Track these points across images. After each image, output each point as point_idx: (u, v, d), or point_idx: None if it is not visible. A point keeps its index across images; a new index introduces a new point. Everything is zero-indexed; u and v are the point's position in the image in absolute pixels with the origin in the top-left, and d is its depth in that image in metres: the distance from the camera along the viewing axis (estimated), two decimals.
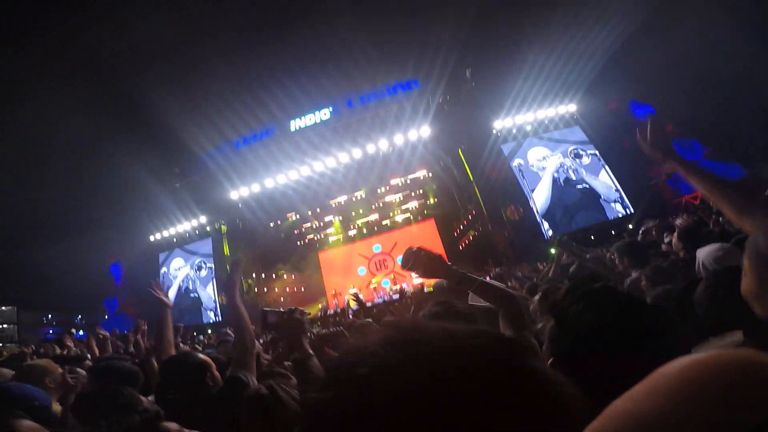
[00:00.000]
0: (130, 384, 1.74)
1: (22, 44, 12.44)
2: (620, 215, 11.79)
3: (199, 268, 15.47)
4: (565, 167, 12.62)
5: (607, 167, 12.31)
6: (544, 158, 12.90)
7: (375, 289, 14.68)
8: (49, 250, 15.56)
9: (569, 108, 12.90)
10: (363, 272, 15.98)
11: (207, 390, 1.57)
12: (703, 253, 2.11)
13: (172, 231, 15.74)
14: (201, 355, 1.76)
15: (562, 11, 11.47)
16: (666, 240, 4.09)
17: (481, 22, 12.58)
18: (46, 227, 16.06)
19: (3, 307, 25.70)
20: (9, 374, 2.53)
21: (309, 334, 1.54)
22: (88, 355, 3.84)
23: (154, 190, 14.98)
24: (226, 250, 15.38)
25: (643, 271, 2.41)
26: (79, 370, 3.07)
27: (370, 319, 3.28)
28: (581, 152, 12.66)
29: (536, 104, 12.86)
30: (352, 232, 16.78)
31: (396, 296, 12.34)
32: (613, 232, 10.64)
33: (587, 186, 12.33)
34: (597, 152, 12.54)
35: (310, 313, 1.31)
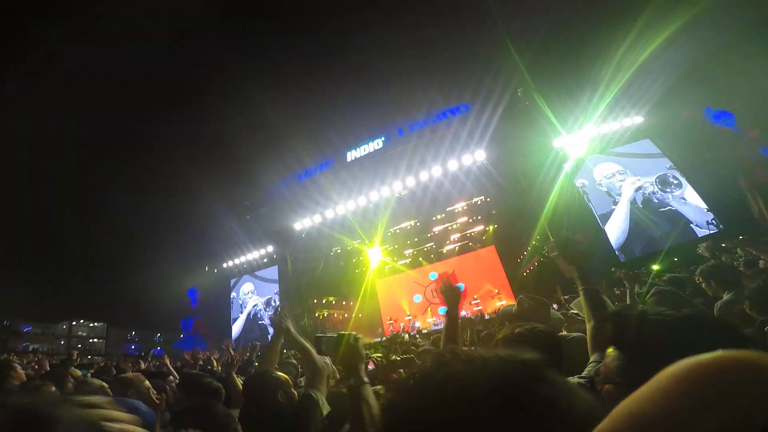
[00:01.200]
0: (216, 399, 1.91)
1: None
2: (707, 233, 10.49)
3: (268, 303, 16.35)
4: (644, 189, 11.58)
5: (687, 183, 11.13)
6: (613, 175, 12.02)
7: (432, 315, 14.45)
8: (136, 273, 17.28)
9: (635, 120, 12.02)
10: (419, 300, 15.77)
11: (280, 406, 1.69)
12: None
13: (243, 259, 16.94)
14: (278, 374, 1.89)
15: (633, 29, 11.01)
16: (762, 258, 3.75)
17: (542, 38, 12.46)
18: (136, 253, 17.96)
19: (96, 324, 28.88)
20: (98, 384, 2.73)
21: (366, 360, 1.57)
22: (174, 372, 4.15)
23: (227, 222, 16.42)
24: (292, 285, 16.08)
25: (737, 293, 2.18)
26: (172, 380, 3.34)
27: (430, 346, 3.27)
28: (664, 173, 11.59)
29: (600, 119, 12.18)
30: (408, 260, 16.78)
31: None
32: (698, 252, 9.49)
33: (673, 209, 11.16)
34: (673, 166, 11.43)
35: (362, 338, 1.34)
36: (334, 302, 16.68)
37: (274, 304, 16.06)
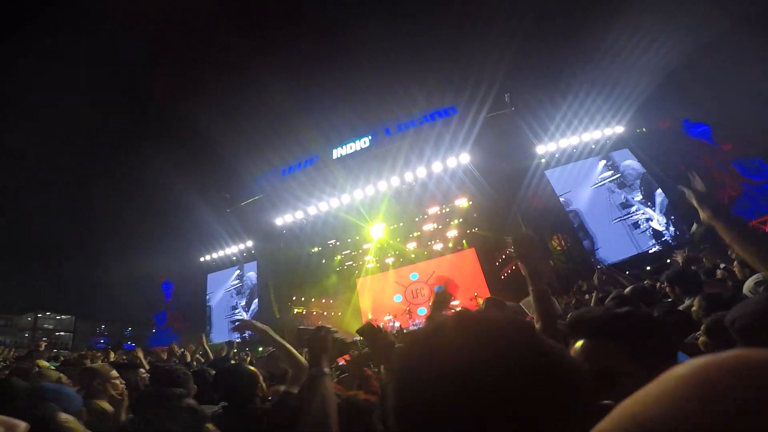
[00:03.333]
0: (184, 388, 1.88)
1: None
2: (671, 242, 10.91)
3: (239, 292, 16.03)
4: (613, 194, 11.96)
5: (660, 190, 11.53)
6: (592, 183, 12.34)
7: (411, 316, 14.47)
8: (107, 266, 16.71)
9: (616, 130, 12.33)
10: (399, 299, 15.81)
11: (256, 401, 1.65)
12: (748, 282, 2.07)
13: (221, 253, 16.55)
14: (250, 367, 1.85)
15: (613, 35, 11.29)
16: (722, 266, 3.95)
17: (524, 45, 12.67)
18: (107, 245, 17.35)
19: (63, 316, 27.80)
20: (55, 376, 2.71)
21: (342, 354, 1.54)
22: (145, 364, 4.09)
23: (205, 215, 16.00)
24: (270, 282, 15.85)
25: (695, 298, 2.27)
26: (143, 372, 3.27)
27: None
28: (630, 177, 11.98)
29: (582, 127, 12.45)
30: (389, 260, 16.78)
31: None
32: (668, 261, 9.87)
33: (637, 213, 11.59)
34: (648, 174, 11.82)
35: (336, 332, 1.33)
36: (313, 300, 16.52)
37: (251, 300, 15.78)
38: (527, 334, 0.45)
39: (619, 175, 12.20)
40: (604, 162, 12.51)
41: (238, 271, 16.44)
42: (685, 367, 0.26)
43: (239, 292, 16.18)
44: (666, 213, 11.27)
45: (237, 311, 15.84)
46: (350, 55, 15.90)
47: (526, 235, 1.57)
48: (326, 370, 1.22)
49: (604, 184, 12.25)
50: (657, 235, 11.18)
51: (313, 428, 1.07)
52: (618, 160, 12.34)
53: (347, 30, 16.04)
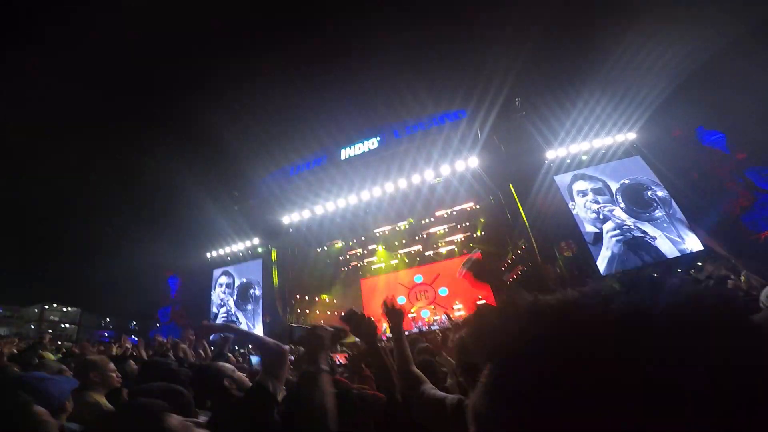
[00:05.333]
0: (174, 382, 1.89)
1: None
2: (688, 251, 10.75)
3: (231, 288, 16.03)
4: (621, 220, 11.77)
5: (673, 201, 11.37)
6: (594, 194, 12.20)
7: (414, 318, 14.39)
8: (114, 259, 16.85)
9: (628, 136, 12.22)
10: (403, 301, 15.73)
11: (230, 394, 1.66)
12: (763, 292, 2.07)
13: (227, 250, 16.62)
14: (221, 363, 1.88)
15: (627, 40, 11.22)
16: (732, 278, 3.99)
17: (537, 49, 12.63)
18: (115, 239, 17.50)
19: (69, 308, 28.03)
20: (57, 367, 2.79)
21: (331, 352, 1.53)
22: (133, 355, 4.15)
23: (213, 211, 16.08)
24: (275, 277, 15.86)
25: None
26: (133, 365, 3.41)
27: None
28: (645, 188, 11.79)
29: (593, 133, 12.35)
30: (394, 261, 16.76)
31: (434, 327, 12.12)
32: (679, 270, 9.76)
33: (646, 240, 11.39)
34: (661, 183, 11.65)
35: (331, 330, 1.33)
36: (318, 299, 16.53)
37: (254, 297, 15.77)
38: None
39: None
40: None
41: (243, 268, 16.47)
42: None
43: (230, 288, 16.21)
44: (675, 224, 11.12)
45: (225, 310, 15.84)
46: (360, 56, 15.99)
47: (475, 260, 1.57)
48: (324, 367, 1.23)
49: (606, 201, 12.06)
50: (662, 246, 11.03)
51: (314, 423, 1.09)
52: (628, 167, 12.20)
53: (358, 31, 16.12)
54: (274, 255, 16.12)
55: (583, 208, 12.16)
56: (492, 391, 0.35)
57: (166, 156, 15.85)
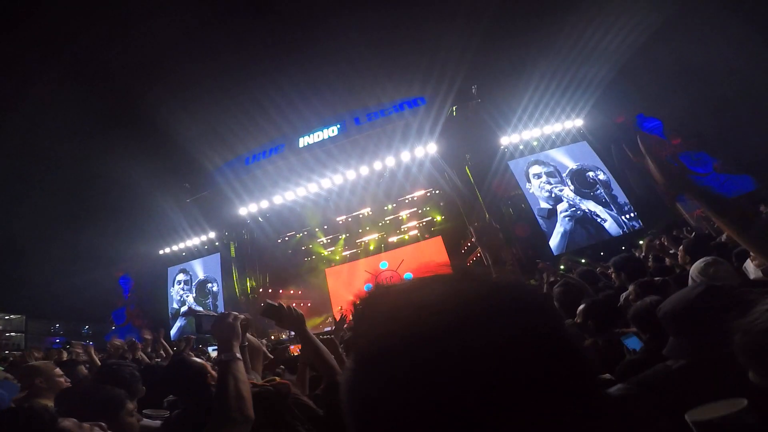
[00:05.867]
0: (127, 387, 1.87)
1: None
2: (628, 230, 11.59)
3: (189, 285, 15.57)
4: (571, 199, 12.46)
5: (613, 182, 12.14)
6: (546, 176, 12.79)
7: None
8: (59, 260, 15.81)
9: (576, 123, 12.81)
10: (369, 288, 15.84)
11: (209, 390, 1.67)
12: (693, 266, 2.13)
13: (182, 245, 15.92)
14: (196, 359, 1.89)
15: (570, 27, 11.57)
16: (671, 252, 4.09)
17: (487, 38, 12.76)
18: (56, 238, 16.37)
19: (12, 316, 26.03)
20: (1, 376, 2.78)
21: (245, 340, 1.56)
22: (84, 360, 3.97)
23: (164, 205, 15.26)
24: (234, 272, 15.48)
25: (633, 284, 2.39)
26: (83, 370, 3.33)
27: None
28: (589, 170, 12.51)
29: (543, 120, 12.83)
30: (358, 249, 16.81)
31: None
32: (623, 248, 10.47)
33: (594, 219, 12.18)
34: (605, 167, 12.40)
35: (246, 318, 1.39)
36: (281, 291, 16.32)
37: (211, 292, 15.38)
38: (540, 296, 0.37)
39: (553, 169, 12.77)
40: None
41: (200, 263, 15.92)
42: None
43: (188, 285, 15.76)
44: (614, 205, 11.92)
45: (186, 306, 15.44)
46: (318, 43, 15.44)
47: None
48: (238, 354, 1.26)
49: (557, 181, 12.72)
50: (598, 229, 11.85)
51: (231, 412, 1.11)
52: (576, 152, 12.84)
53: (315, 18, 15.53)
54: (232, 249, 15.67)
55: (538, 189, 12.77)
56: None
57: (112, 149, 14.72)
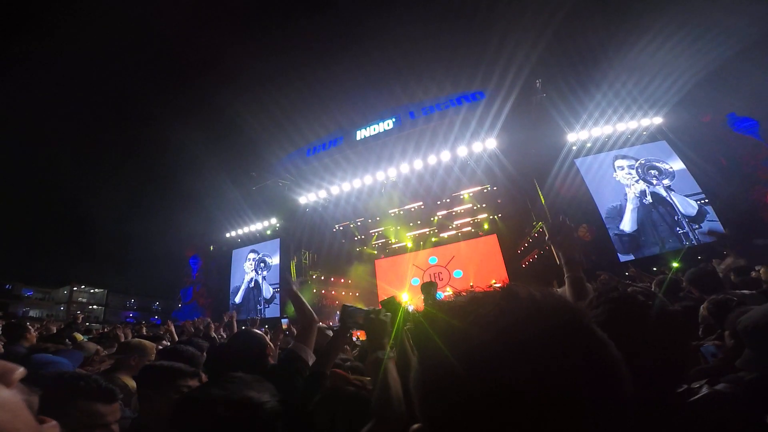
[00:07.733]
0: (193, 365, 1.83)
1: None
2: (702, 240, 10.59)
3: (261, 266, 16.47)
4: (649, 188, 11.58)
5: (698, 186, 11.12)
6: (623, 171, 11.98)
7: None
8: (139, 241, 17.38)
9: (654, 121, 11.87)
10: (417, 283, 15.93)
11: (267, 362, 1.77)
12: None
13: (246, 230, 16.98)
14: (258, 332, 1.95)
15: (660, 24, 10.72)
16: (757, 269, 3.80)
17: (561, 33, 12.18)
18: (137, 221, 18.04)
19: (96, 289, 29.06)
20: (93, 348, 2.95)
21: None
22: (167, 337, 4.32)
23: (232, 192, 16.36)
24: (293, 260, 16.20)
25: (708, 301, 2.26)
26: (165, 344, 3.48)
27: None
28: (666, 170, 11.55)
29: (616, 117, 12.04)
30: (409, 242, 16.91)
31: None
32: (699, 258, 9.63)
33: (673, 208, 11.23)
34: (687, 170, 11.39)
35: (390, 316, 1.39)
36: (332, 279, 16.88)
37: (267, 265, 16.18)
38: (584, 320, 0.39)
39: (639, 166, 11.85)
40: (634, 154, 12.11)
41: (254, 248, 16.86)
42: None
43: (259, 268, 16.65)
44: (698, 213, 10.92)
45: (256, 289, 16.30)
46: (377, 36, 15.66)
47: (562, 223, 1.54)
48: (392, 354, 1.24)
49: (632, 178, 11.87)
50: (685, 236, 10.88)
51: (390, 411, 1.10)
52: (653, 152, 11.91)
53: (375, 11, 15.72)
54: (290, 235, 16.44)
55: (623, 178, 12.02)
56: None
57: (185, 140, 16.03)
